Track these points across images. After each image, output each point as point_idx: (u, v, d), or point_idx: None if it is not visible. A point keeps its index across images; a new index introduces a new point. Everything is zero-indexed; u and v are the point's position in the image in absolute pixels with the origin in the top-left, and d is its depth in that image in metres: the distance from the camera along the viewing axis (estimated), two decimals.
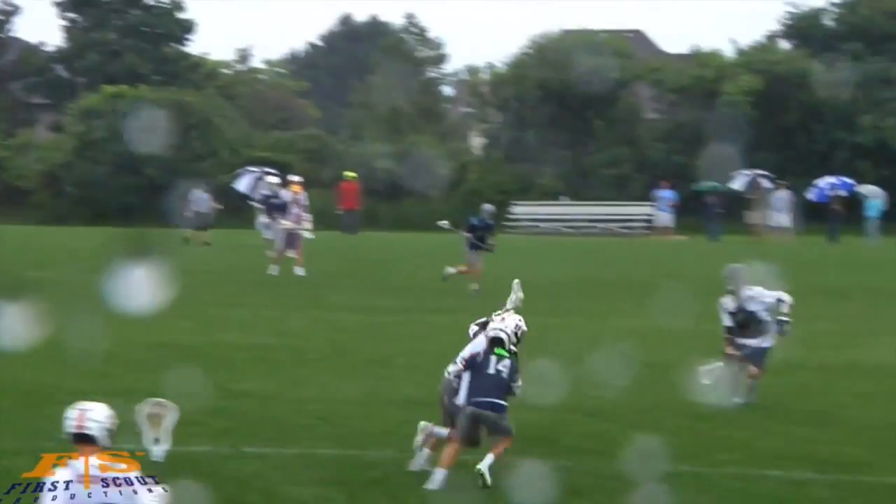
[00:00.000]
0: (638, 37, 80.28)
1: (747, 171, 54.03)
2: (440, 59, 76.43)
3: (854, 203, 51.25)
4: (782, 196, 51.74)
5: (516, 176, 61.19)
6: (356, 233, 50.77)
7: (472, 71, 69.56)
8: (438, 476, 11.86)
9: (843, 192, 51.71)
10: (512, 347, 12.41)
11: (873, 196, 50.79)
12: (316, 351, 19.92)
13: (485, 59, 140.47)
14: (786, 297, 15.80)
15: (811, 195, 52.18)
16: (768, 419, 14.72)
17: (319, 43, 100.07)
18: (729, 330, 15.82)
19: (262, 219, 36.38)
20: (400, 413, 15.38)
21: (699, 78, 60.93)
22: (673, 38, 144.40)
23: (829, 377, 16.46)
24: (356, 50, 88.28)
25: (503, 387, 12.03)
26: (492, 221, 29.87)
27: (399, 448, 13.47)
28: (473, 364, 12.17)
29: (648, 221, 54.94)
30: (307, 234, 33.25)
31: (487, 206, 30.64)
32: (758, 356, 15.63)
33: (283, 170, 43.75)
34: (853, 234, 48.20)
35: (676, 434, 14.06)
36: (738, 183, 53.48)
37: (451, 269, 28.91)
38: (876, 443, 13.46)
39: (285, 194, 34.68)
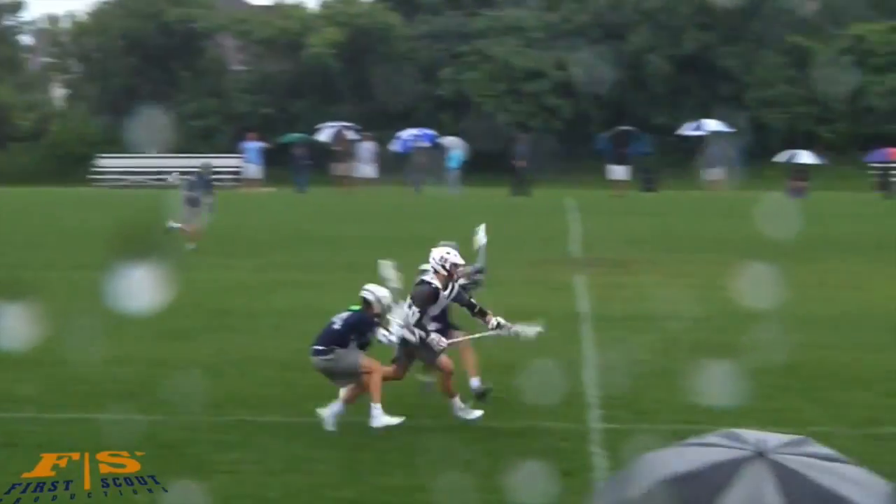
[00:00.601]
0: None
1: (333, 123, 54.88)
2: (17, 6, 73.86)
3: (436, 154, 52.82)
4: (368, 147, 52.77)
5: (101, 128, 60.06)
6: None
7: (52, 20, 67.70)
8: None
9: (425, 144, 53.19)
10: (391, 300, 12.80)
11: (454, 147, 52.40)
12: None
13: (65, 8, 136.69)
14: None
15: (395, 146, 53.46)
16: None
17: None
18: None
19: None
20: (4, 373, 14.96)
21: (284, 30, 61.32)
22: None
23: None
24: None
25: (328, 334, 12.72)
26: (210, 177, 29.23)
27: (12, 409, 13.13)
28: None
29: (237, 173, 54.99)
30: None
31: (206, 162, 30.18)
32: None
33: None
34: (435, 185, 49.63)
35: (268, 385, 14.30)
36: (324, 134, 54.24)
37: (174, 224, 27.98)
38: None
39: None
